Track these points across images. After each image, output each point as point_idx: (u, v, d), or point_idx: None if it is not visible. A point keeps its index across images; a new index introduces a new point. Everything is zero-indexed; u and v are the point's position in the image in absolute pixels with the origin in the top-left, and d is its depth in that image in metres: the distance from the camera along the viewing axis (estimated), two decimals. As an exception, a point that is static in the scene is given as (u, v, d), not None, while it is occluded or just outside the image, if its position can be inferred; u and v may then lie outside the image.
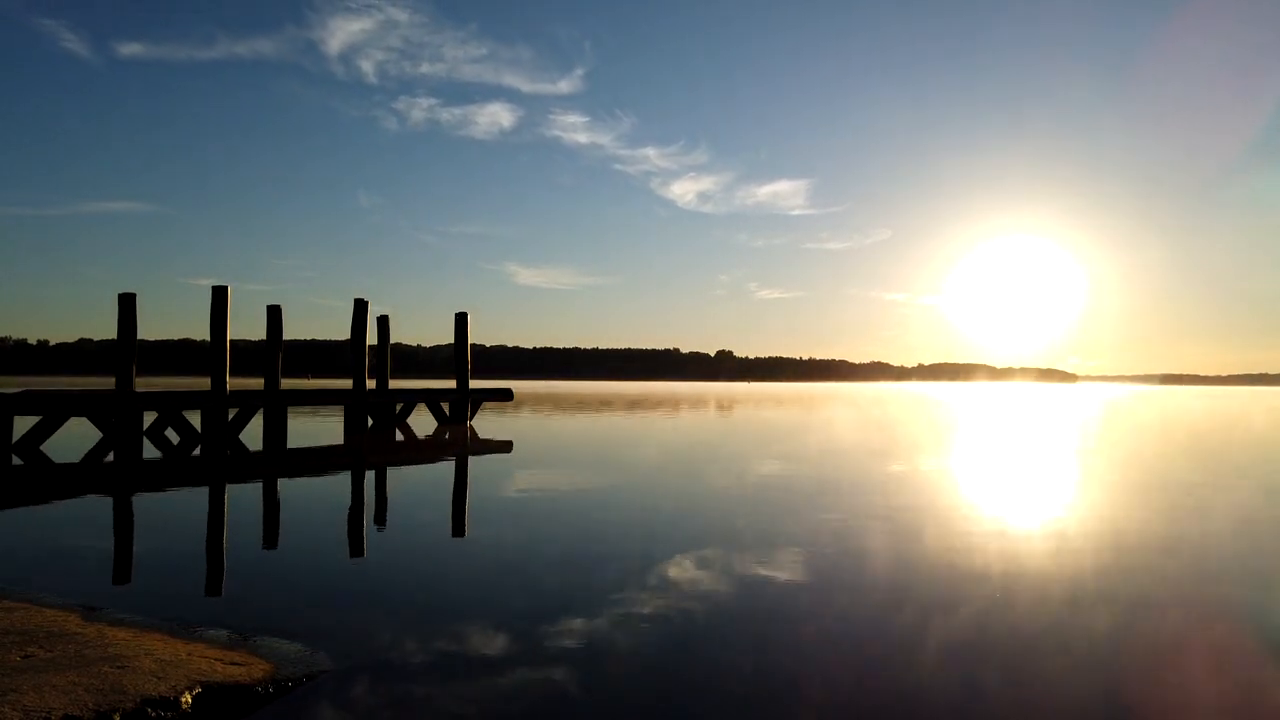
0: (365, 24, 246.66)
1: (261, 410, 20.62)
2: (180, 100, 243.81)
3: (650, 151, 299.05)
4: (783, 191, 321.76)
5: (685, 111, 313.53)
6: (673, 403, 48.97)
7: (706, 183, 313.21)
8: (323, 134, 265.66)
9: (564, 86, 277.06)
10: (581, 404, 44.86)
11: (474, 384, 26.20)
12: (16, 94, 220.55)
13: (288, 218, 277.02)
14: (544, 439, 21.01)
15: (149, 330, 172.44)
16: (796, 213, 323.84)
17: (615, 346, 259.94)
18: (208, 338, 19.97)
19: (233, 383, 19.75)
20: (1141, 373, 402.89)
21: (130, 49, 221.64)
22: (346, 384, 23.54)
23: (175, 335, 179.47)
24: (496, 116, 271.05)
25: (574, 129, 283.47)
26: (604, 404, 45.26)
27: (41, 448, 16.22)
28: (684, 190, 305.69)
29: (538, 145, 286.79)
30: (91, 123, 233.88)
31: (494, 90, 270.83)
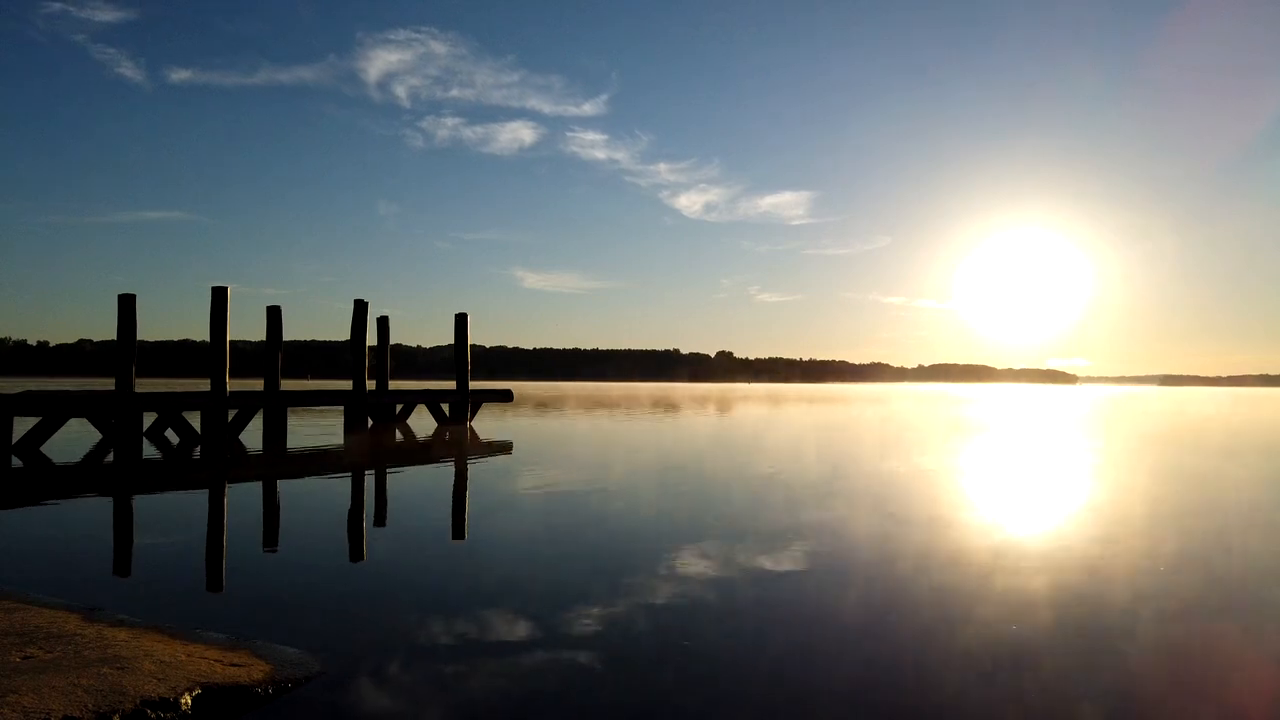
0: (406, 55, 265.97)
1: (261, 411, 20.62)
2: (221, 120, 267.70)
3: (662, 166, 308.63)
4: (785, 202, 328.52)
5: (700, 131, 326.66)
6: (673, 403, 48.96)
7: (713, 194, 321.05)
8: (351, 150, 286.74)
9: (588, 109, 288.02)
10: (581, 404, 44.86)
11: (474, 385, 26.21)
12: (74, 114, 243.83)
13: (312, 227, 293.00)
14: (544, 440, 21.01)
15: (149, 332, 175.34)
16: (798, 223, 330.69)
17: (615, 347, 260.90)
18: (207, 339, 19.97)
19: (233, 383, 19.75)
20: (1141, 374, 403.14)
21: (181, 75, 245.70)
22: (346, 385, 23.54)
23: (175, 336, 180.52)
24: (518, 133, 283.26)
25: (592, 146, 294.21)
26: (604, 404, 45.26)
27: (41, 448, 16.22)
28: (691, 201, 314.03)
29: (556, 159, 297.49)
30: (138, 141, 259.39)
31: (519, 112, 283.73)
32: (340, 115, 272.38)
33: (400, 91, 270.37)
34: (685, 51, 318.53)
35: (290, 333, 23.00)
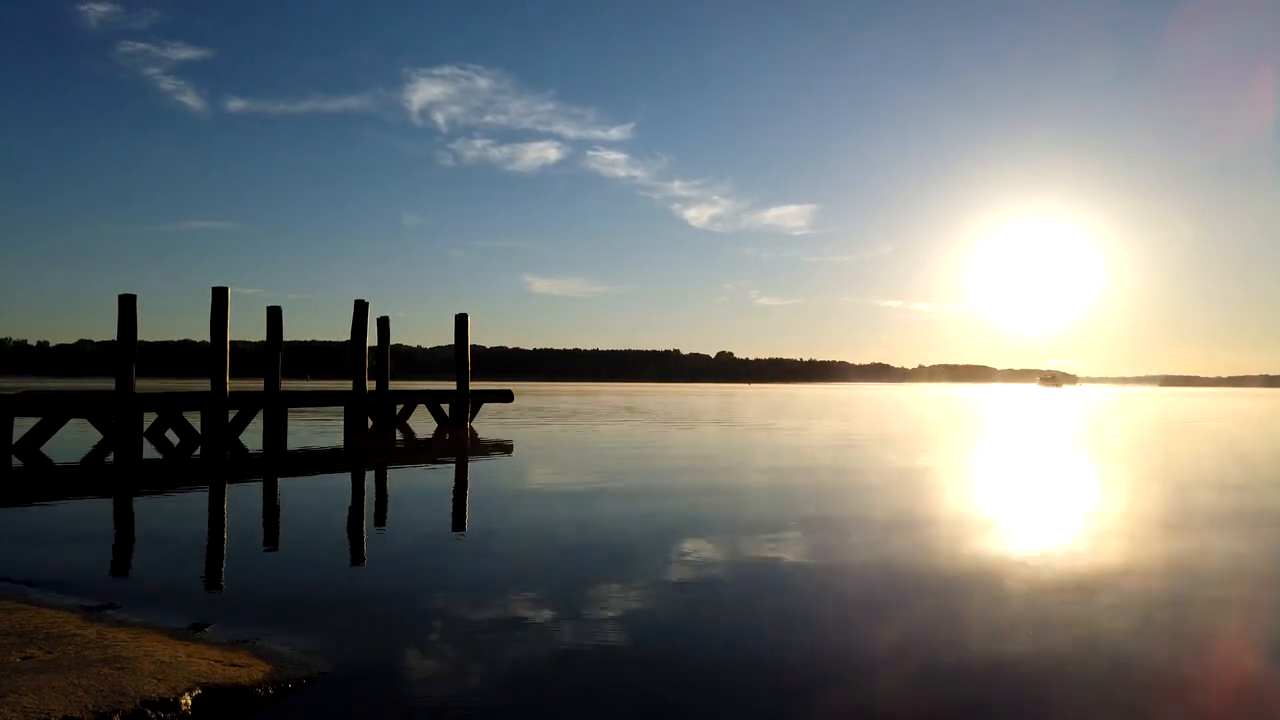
0: (450, 89, 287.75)
1: (261, 411, 20.61)
2: (264, 142, 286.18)
3: (677, 183, 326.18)
4: (789, 214, 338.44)
5: (716, 153, 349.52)
6: (673, 404, 48.93)
7: (721, 206, 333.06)
8: (384, 168, 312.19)
9: (614, 134, 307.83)
10: (581, 405, 44.83)
11: (474, 385, 26.19)
12: (133, 137, 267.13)
13: (337, 237, 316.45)
14: (544, 440, 21.00)
15: (149, 332, 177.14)
16: (800, 233, 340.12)
17: (616, 348, 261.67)
18: (208, 339, 19.96)
19: (233, 384, 19.73)
20: (1141, 374, 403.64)
21: (237, 104, 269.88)
22: (347, 385, 23.53)
23: (175, 336, 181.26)
24: (544, 152, 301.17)
25: (614, 165, 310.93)
26: (603, 404, 45.23)
27: (42, 449, 16.20)
28: (699, 214, 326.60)
29: (577, 176, 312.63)
30: (193, 160, 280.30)
31: (546, 134, 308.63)
32: (378, 138, 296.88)
33: (439, 118, 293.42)
34: (709, 82, 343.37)
35: (290, 333, 22.99)
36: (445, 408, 25.49)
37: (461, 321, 25.62)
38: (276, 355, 21.59)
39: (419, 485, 12.51)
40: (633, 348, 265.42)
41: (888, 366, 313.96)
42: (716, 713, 3.90)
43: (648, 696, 4.06)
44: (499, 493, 11.56)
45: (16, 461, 14.61)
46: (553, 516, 9.30)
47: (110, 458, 15.47)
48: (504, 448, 18.06)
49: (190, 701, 3.72)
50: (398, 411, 24.62)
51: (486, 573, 6.62)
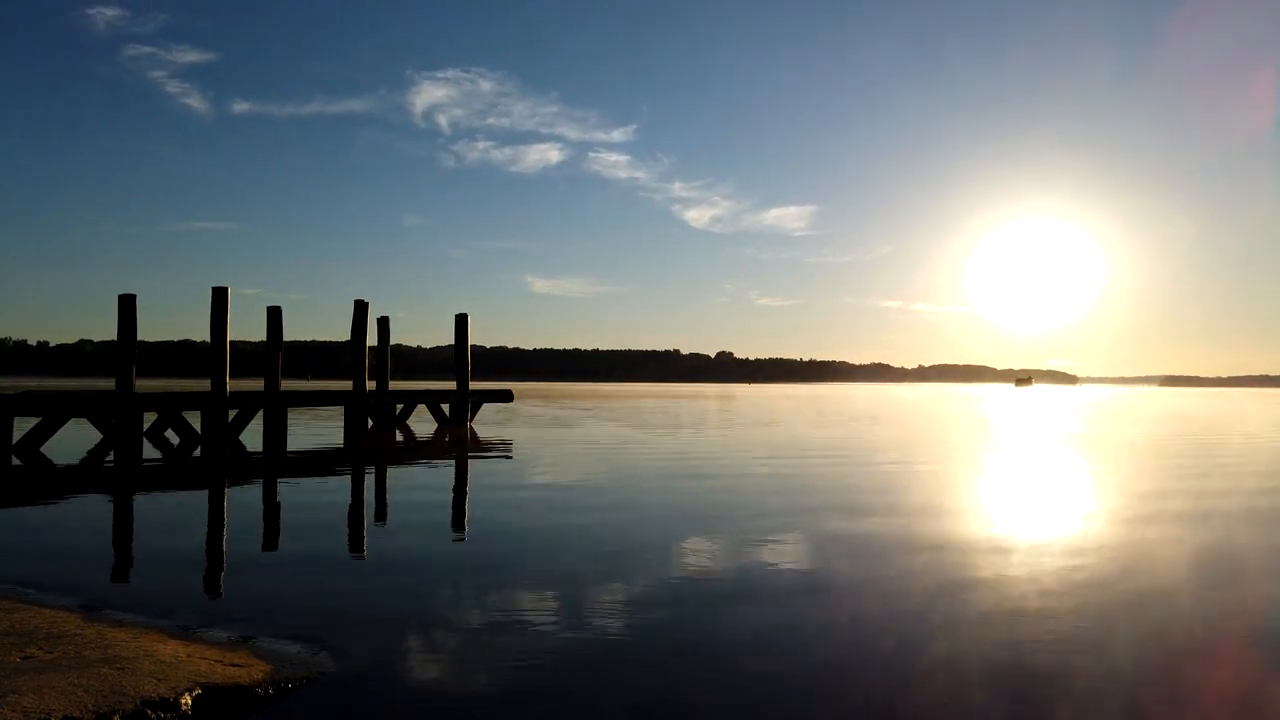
0: (453, 91, 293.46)
1: (261, 411, 20.61)
2: (269, 144, 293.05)
3: (677, 184, 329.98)
4: (789, 215, 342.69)
5: (717, 154, 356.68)
6: (674, 405, 48.93)
7: (722, 208, 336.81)
8: (386, 170, 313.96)
9: (617, 135, 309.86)
10: (580, 405, 44.83)
11: (474, 385, 26.20)
12: (136, 139, 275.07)
13: (339, 237, 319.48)
14: (544, 441, 21.00)
15: (150, 332, 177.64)
16: (800, 234, 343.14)
17: (616, 348, 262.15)
18: (208, 339, 19.96)
19: (233, 384, 19.73)
20: (1142, 374, 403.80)
21: (241, 106, 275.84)
22: (347, 385, 23.54)
23: (175, 336, 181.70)
24: (546, 154, 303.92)
25: (615, 166, 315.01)
26: (604, 404, 45.23)
27: (41, 449, 16.20)
28: (699, 215, 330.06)
29: (579, 177, 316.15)
30: (195, 161, 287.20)
31: (548, 136, 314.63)
32: (380, 140, 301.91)
33: (442, 120, 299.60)
34: (709, 83, 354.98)
35: (290, 333, 23.01)
36: (445, 408, 25.50)
37: (461, 321, 25.63)
38: (276, 355, 21.59)
39: (419, 485, 12.51)
40: (633, 348, 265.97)
41: (888, 366, 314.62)
42: (718, 713, 3.91)
43: (649, 697, 4.06)
44: (499, 492, 11.55)
45: (16, 461, 14.61)
46: (553, 516, 9.30)
47: (110, 458, 15.46)
48: (504, 447, 18.06)
49: (190, 701, 3.72)
50: (398, 411, 24.63)
51: (486, 572, 6.61)
